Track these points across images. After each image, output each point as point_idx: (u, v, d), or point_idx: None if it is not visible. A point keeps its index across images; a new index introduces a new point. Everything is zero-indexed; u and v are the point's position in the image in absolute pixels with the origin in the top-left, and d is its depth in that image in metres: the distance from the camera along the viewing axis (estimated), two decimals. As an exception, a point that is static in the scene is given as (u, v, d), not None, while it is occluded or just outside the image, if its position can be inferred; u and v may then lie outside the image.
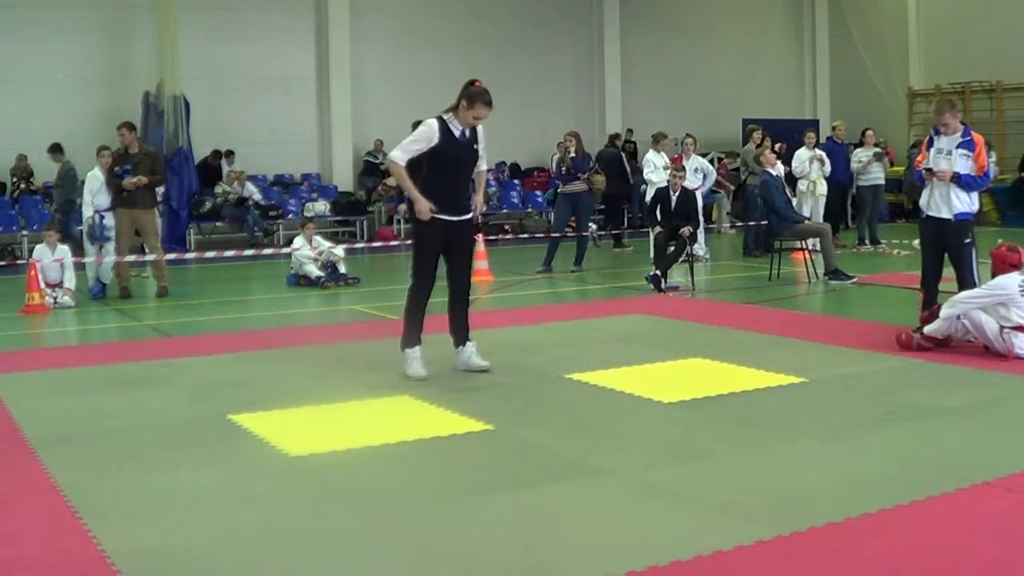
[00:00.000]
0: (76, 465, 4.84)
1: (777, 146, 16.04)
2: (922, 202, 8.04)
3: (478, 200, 6.92)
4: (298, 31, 19.54)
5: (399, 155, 6.58)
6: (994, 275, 7.03)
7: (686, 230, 11.40)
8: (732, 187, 18.08)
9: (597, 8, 22.62)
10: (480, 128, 6.70)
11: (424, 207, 6.48)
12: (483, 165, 6.89)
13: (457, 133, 6.58)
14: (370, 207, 19.43)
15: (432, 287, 6.74)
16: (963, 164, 7.74)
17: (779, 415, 5.67)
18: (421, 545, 3.79)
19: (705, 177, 14.97)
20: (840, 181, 15.26)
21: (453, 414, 5.73)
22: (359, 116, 19.77)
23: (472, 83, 6.57)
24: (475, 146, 6.67)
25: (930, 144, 8.01)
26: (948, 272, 8.01)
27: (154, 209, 11.76)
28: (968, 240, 7.86)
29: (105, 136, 14.33)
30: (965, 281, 7.73)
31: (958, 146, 7.78)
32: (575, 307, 10.58)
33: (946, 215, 7.82)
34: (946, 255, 7.97)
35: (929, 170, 7.82)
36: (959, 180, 7.72)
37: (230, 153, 18.51)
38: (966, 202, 7.82)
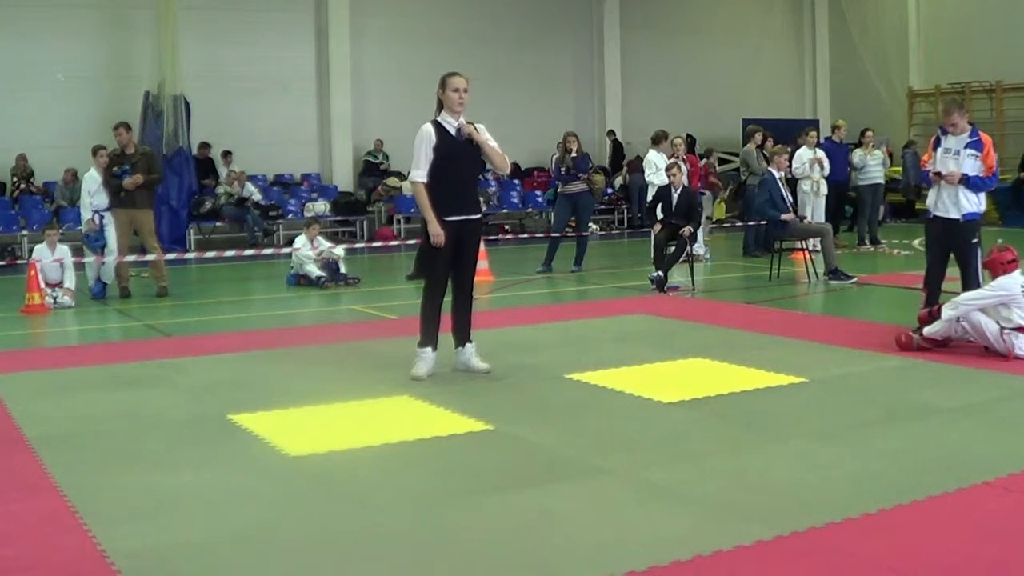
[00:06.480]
0: (76, 465, 4.83)
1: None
2: (929, 202, 8.02)
3: (489, 142, 6.69)
4: (298, 31, 19.54)
5: (418, 174, 6.60)
6: (995, 277, 7.02)
7: (687, 230, 11.38)
8: (720, 184, 18.02)
9: (597, 8, 22.62)
10: (482, 126, 6.72)
11: (437, 230, 6.49)
12: (500, 161, 6.77)
13: (452, 131, 6.60)
14: (370, 207, 19.43)
15: (446, 286, 6.75)
16: (971, 164, 7.70)
17: (779, 415, 5.67)
18: (421, 545, 3.79)
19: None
20: (838, 181, 15.22)
21: (453, 414, 5.73)
22: (359, 116, 19.77)
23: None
24: (474, 142, 6.65)
25: (936, 144, 7.95)
26: (950, 272, 8.00)
27: (151, 209, 11.73)
28: (975, 240, 7.84)
29: (105, 136, 14.32)
30: (969, 281, 7.72)
31: (966, 146, 7.74)
32: (575, 307, 10.58)
33: (954, 215, 7.79)
34: (951, 255, 7.96)
35: (938, 173, 7.79)
36: (967, 182, 7.69)
37: (227, 153, 18.50)
38: (974, 202, 7.79)
